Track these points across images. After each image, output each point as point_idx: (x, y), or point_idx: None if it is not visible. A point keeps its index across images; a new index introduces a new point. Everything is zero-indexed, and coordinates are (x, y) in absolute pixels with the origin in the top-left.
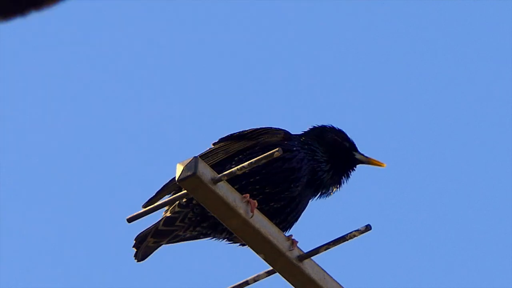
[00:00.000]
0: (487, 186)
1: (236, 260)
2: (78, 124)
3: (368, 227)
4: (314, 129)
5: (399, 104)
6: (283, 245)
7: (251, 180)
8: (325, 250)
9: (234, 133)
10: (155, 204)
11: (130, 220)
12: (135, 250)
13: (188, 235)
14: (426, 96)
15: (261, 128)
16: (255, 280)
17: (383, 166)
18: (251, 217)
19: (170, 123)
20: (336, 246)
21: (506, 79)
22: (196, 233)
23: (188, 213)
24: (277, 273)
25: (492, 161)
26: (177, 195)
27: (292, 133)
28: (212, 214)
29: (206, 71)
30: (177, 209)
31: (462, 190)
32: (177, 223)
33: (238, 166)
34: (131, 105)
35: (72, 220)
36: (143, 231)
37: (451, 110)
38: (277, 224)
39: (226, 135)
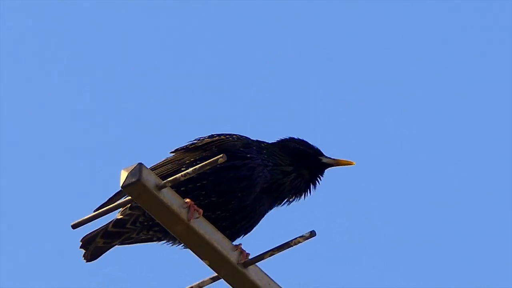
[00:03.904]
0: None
1: (181, 265)
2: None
3: (312, 233)
4: (276, 142)
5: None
6: (227, 251)
7: (198, 185)
8: (269, 256)
9: (190, 143)
10: (99, 211)
11: (74, 226)
12: (84, 250)
13: (143, 237)
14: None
15: (217, 137)
16: (199, 286)
17: (352, 164)
18: (189, 221)
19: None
20: (281, 252)
21: (503, 80)
22: (149, 236)
23: (139, 217)
24: (222, 279)
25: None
26: (119, 202)
27: (255, 140)
28: (157, 221)
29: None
30: (128, 211)
31: (411, 188)
32: (128, 225)
33: (183, 173)
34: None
35: (16, 222)
36: (92, 232)
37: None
38: (223, 231)
39: (184, 145)
